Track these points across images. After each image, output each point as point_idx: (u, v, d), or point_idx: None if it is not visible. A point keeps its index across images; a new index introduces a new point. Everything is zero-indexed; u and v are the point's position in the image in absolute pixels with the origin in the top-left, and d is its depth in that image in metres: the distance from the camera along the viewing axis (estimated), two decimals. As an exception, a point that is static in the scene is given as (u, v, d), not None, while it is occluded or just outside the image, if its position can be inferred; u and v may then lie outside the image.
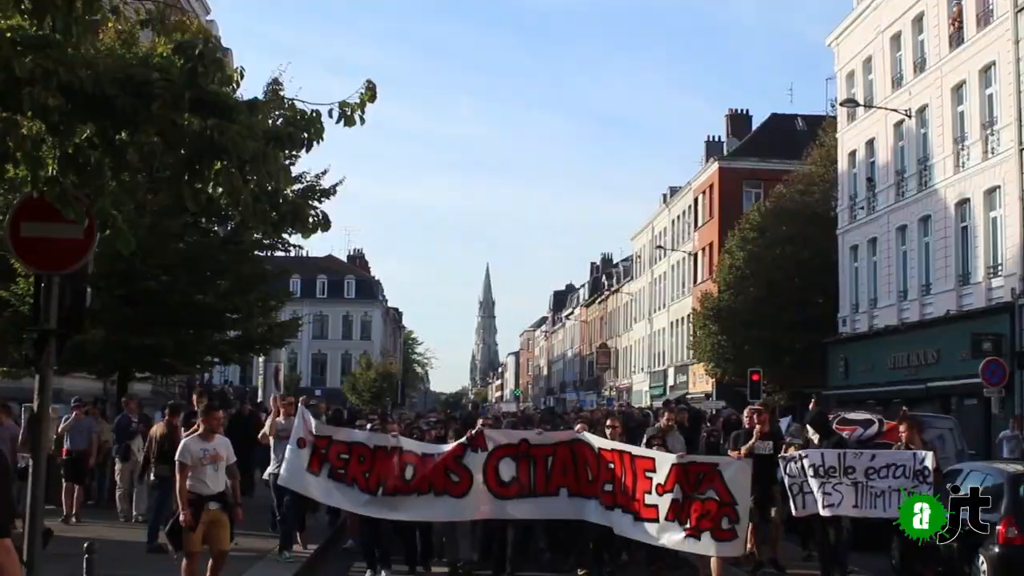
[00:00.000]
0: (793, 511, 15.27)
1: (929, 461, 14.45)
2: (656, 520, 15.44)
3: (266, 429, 19.83)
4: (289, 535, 19.13)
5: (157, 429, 20.63)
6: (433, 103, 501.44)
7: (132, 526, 22.51)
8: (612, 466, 16.11)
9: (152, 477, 20.57)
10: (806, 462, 15.06)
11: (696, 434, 25.09)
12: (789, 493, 15.25)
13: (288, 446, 17.07)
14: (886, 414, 19.91)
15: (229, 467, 14.27)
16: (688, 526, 15.12)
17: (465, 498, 16.34)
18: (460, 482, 16.32)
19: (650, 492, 15.50)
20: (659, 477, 15.45)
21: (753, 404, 21.03)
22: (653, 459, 15.86)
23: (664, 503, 15.32)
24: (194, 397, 22.80)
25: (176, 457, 14.14)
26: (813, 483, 14.87)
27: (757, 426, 17.58)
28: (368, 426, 19.97)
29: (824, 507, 14.84)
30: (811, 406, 22.42)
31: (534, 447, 16.59)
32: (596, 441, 16.72)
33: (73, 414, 24.58)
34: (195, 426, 15.34)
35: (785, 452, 16.17)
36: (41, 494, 11.02)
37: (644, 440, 18.20)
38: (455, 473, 16.37)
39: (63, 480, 23.18)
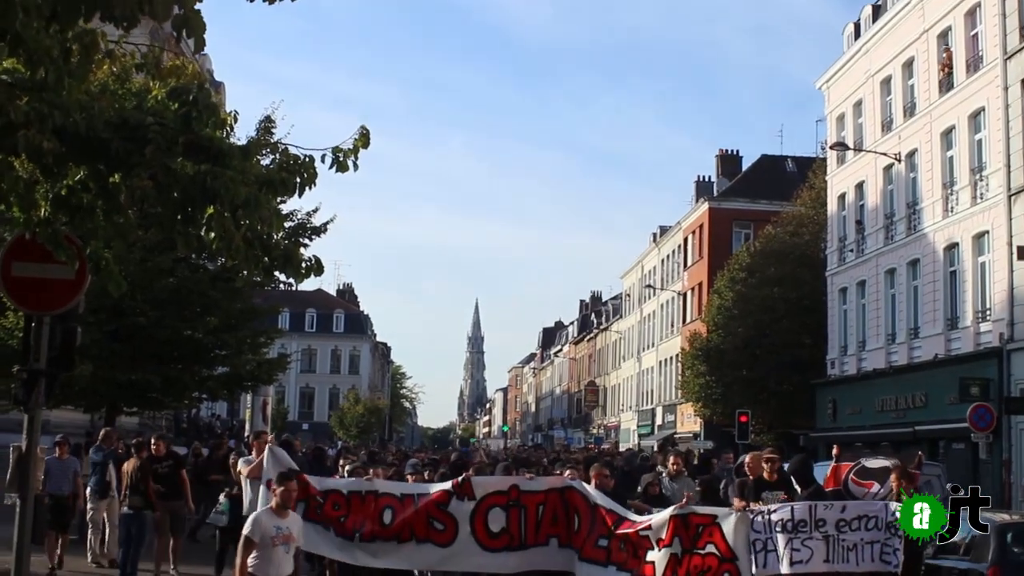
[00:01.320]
0: (752, 569, 14.25)
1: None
2: None
3: (241, 468, 17.95)
4: None
5: (128, 464, 20.45)
6: (424, 138, 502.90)
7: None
8: (607, 520, 14.77)
9: (126, 510, 20.16)
10: (775, 516, 13.87)
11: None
12: (751, 549, 14.29)
13: (262, 488, 15.54)
14: (903, 459, 19.13)
15: (298, 551, 12.85)
16: None
17: (450, 547, 15.02)
18: (445, 530, 15.05)
19: (652, 549, 14.33)
20: (657, 533, 14.27)
21: (764, 449, 19.61)
22: (649, 523, 14.53)
23: (662, 559, 14.16)
24: (153, 439, 21.81)
25: (244, 532, 12.19)
26: (780, 539, 13.75)
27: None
28: (348, 467, 18.77)
29: (791, 564, 13.67)
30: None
31: (525, 494, 15.23)
32: (593, 494, 15.25)
33: (57, 452, 21.78)
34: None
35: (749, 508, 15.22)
36: (28, 534, 11.00)
37: (641, 486, 17.64)
38: (439, 521, 15.08)
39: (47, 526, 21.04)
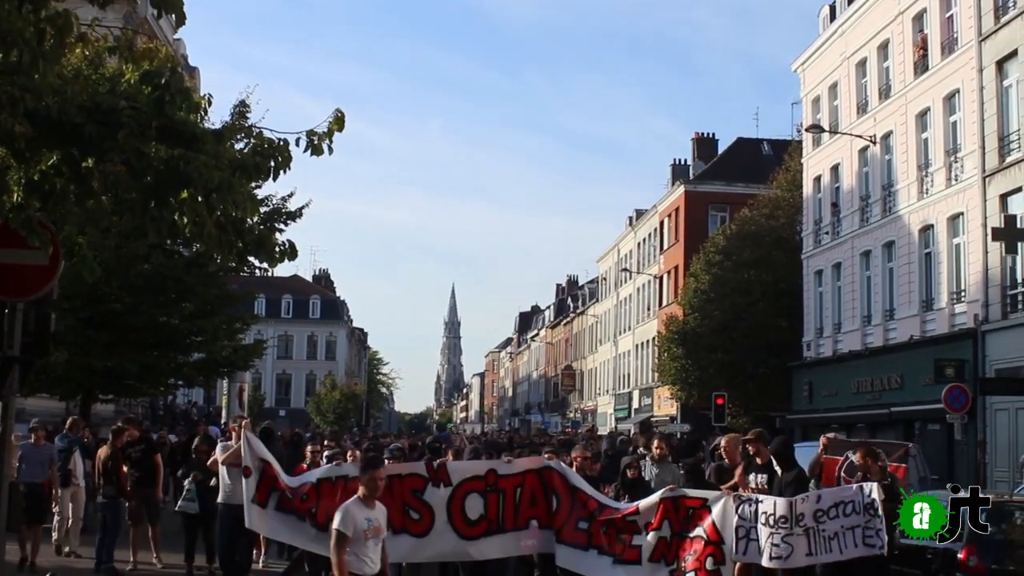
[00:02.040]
0: (732, 554, 14.16)
1: (875, 493, 13.77)
2: (638, 562, 14.12)
3: (217, 455, 17.70)
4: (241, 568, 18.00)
5: (102, 451, 20.45)
6: (401, 122, 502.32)
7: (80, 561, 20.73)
8: (588, 504, 14.53)
9: (100, 499, 20.16)
10: (760, 507, 13.83)
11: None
12: (734, 535, 14.19)
13: (243, 476, 14.85)
14: (891, 451, 18.84)
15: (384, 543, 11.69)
16: (674, 567, 13.97)
17: (427, 537, 14.42)
18: (421, 519, 14.43)
19: (639, 532, 14.17)
20: (646, 517, 14.15)
21: (744, 432, 19.20)
22: (636, 507, 14.41)
23: (650, 541, 14.05)
24: (121, 422, 21.79)
25: (334, 525, 11.01)
26: (762, 532, 13.71)
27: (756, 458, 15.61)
28: (325, 454, 17.25)
29: (770, 559, 13.65)
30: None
31: (503, 478, 14.69)
32: (572, 476, 14.99)
33: (32, 438, 20.49)
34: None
35: (744, 491, 15.15)
36: (3, 522, 10.94)
37: (621, 467, 17.18)
38: (415, 510, 14.45)
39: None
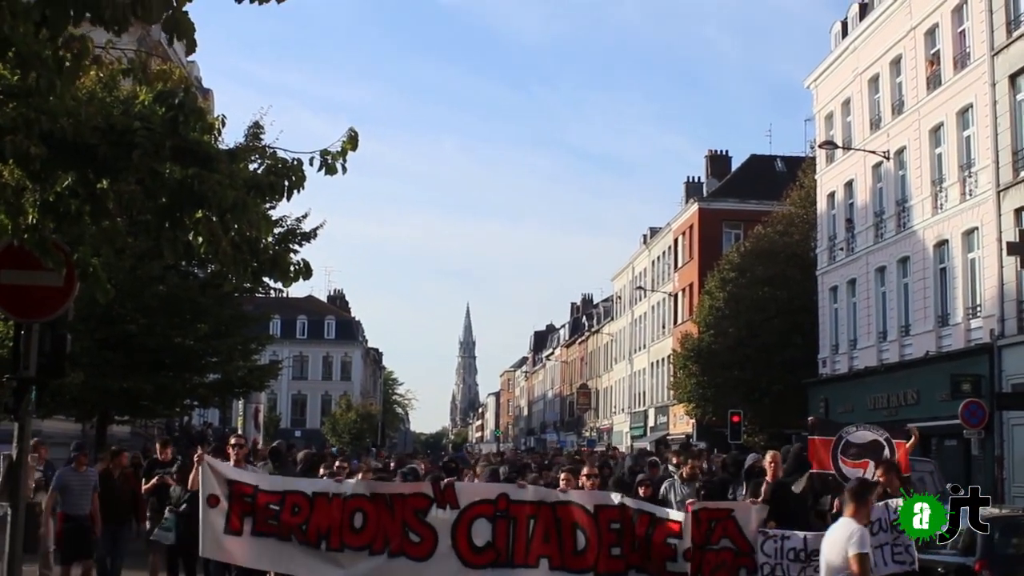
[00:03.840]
0: None
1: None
2: None
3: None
4: None
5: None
6: (415, 142, 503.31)
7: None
8: (617, 526, 13.49)
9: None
10: (787, 544, 13.36)
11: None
12: (760, 572, 13.86)
13: (200, 507, 13.46)
14: (892, 431, 18.14)
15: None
16: None
17: (426, 562, 13.25)
18: (422, 543, 13.29)
19: (674, 560, 13.37)
20: (687, 541, 13.39)
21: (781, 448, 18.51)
22: (679, 522, 13.58)
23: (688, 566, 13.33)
24: (157, 446, 20.52)
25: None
26: (793, 568, 13.20)
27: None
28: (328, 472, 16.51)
29: None
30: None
31: (515, 504, 13.50)
32: (593, 498, 13.87)
33: (74, 464, 18.10)
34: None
35: (767, 527, 14.65)
36: (19, 545, 10.97)
37: (634, 485, 16.67)
38: (415, 532, 13.34)
39: (58, 555, 18.17)
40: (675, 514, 14.06)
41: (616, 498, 13.98)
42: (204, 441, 40.92)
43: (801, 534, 13.51)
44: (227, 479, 13.44)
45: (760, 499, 14.59)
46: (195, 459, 14.05)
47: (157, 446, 20.38)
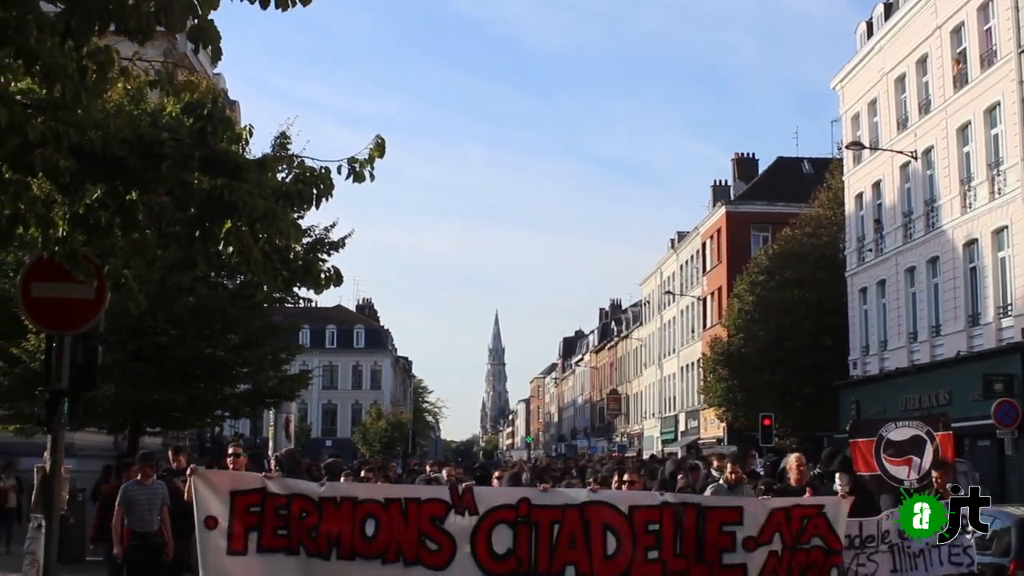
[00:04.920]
0: None
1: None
2: None
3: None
4: None
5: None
6: (442, 151, 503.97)
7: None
8: (656, 527, 12.64)
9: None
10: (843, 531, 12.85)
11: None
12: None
13: (196, 531, 12.29)
14: (930, 423, 17.74)
15: None
16: None
17: (445, 571, 12.41)
18: (440, 550, 12.45)
19: (732, 550, 12.57)
20: (749, 529, 12.60)
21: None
22: (739, 508, 12.91)
23: (757, 560, 12.55)
24: (170, 454, 19.86)
25: None
26: (846, 555, 12.85)
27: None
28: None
29: None
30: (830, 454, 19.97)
31: (537, 509, 12.64)
32: (623, 498, 13.12)
33: (139, 475, 17.04)
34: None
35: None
36: (54, 555, 11.01)
37: (676, 490, 15.62)
38: (432, 540, 12.49)
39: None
40: (730, 499, 13.62)
41: (657, 497, 13.22)
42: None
43: (857, 520, 12.94)
44: (228, 491, 12.26)
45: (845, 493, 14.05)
46: (187, 473, 12.91)
47: (169, 454, 19.70)
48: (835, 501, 13.19)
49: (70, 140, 8.02)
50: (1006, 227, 36.62)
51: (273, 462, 17.24)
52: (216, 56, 7.48)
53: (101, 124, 8.45)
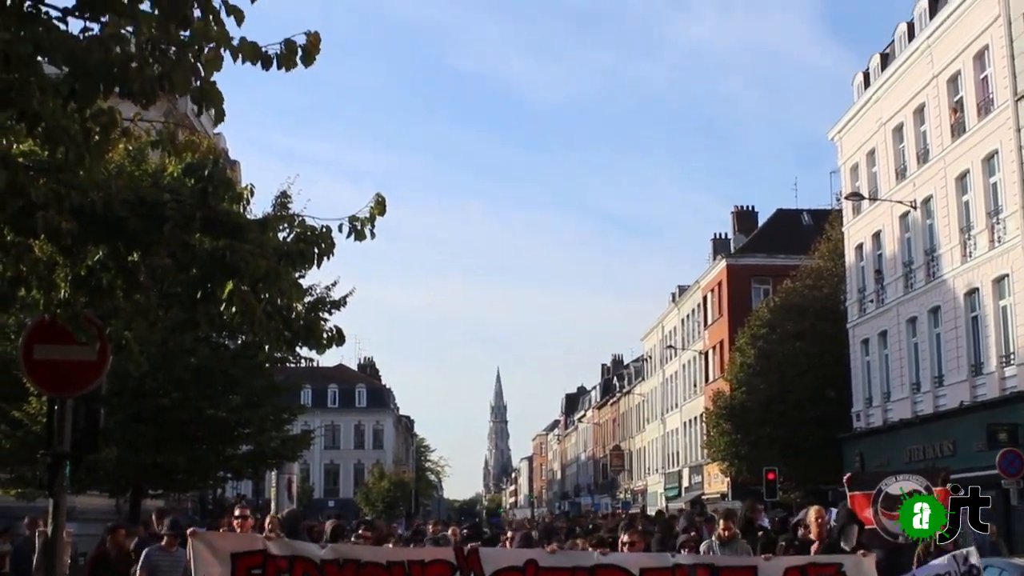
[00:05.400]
0: None
1: (974, 558, 12.92)
2: None
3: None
4: None
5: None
6: (441, 207, 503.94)
7: None
8: None
9: None
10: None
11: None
12: None
13: None
14: (929, 478, 17.64)
15: None
16: None
17: None
18: None
19: None
20: None
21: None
22: (753, 568, 12.44)
23: None
24: (153, 517, 19.56)
25: None
26: None
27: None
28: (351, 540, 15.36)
29: None
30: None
31: (545, 571, 12.03)
32: (633, 560, 12.50)
33: (164, 541, 16.41)
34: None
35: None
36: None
37: (677, 545, 15.07)
38: None
39: None
40: (743, 559, 13.26)
41: (668, 559, 12.63)
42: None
43: None
44: (229, 552, 11.57)
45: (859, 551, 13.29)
46: (188, 534, 12.26)
47: (153, 517, 19.33)
48: (856, 560, 12.50)
49: (72, 202, 8.02)
50: (1007, 275, 36.62)
51: (267, 522, 16.71)
52: (219, 118, 7.51)
53: (103, 185, 8.45)
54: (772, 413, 51.10)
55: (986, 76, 38.44)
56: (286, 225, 9.76)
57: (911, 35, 44.87)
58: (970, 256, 39.34)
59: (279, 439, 35.33)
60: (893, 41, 47.49)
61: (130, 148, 11.00)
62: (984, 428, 35.72)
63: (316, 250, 9.31)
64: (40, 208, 7.87)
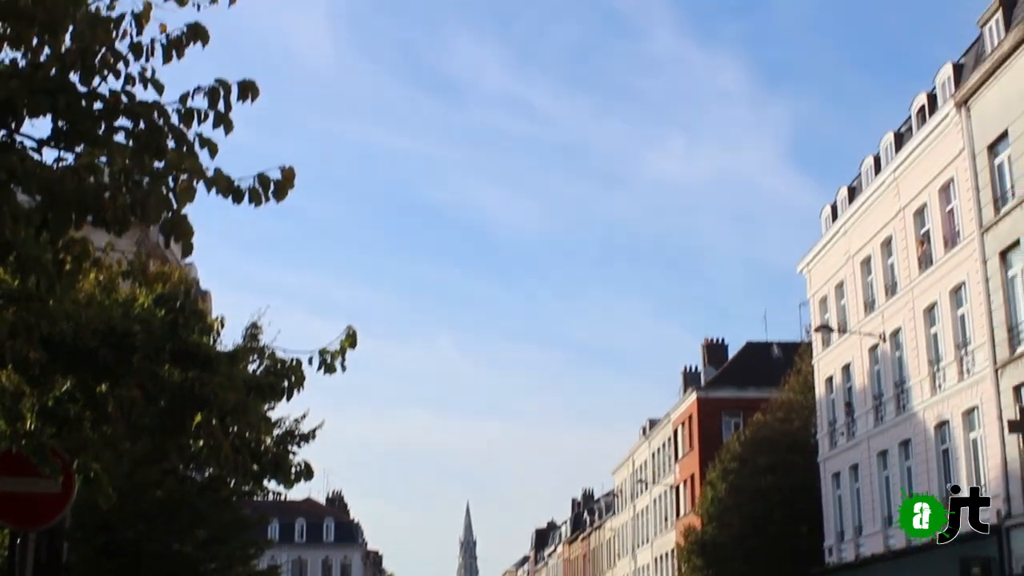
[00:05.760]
0: None
1: None
2: None
3: None
4: None
5: None
6: (412, 339, 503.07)
7: None
8: None
9: None
10: None
11: None
12: None
13: None
14: None
15: None
16: None
17: None
18: None
19: None
20: None
21: None
22: None
23: None
24: None
25: None
26: None
27: None
28: None
29: None
30: None
31: None
32: None
33: None
34: None
35: None
36: None
37: None
38: None
39: None
40: None
41: None
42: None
43: None
44: None
45: None
46: None
47: None
48: None
49: (41, 331, 7.95)
50: (976, 408, 36.67)
51: None
52: (187, 250, 7.47)
53: (73, 315, 8.40)
54: (744, 548, 50.76)
55: (952, 208, 38.91)
56: (256, 357, 9.72)
57: (877, 168, 45.46)
58: (939, 388, 39.42)
59: (246, 575, 34.82)
60: (860, 174, 48.11)
61: (101, 278, 10.93)
62: (958, 562, 35.46)
63: (286, 383, 9.26)
64: (8, 338, 7.80)
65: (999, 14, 36.57)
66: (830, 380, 50.06)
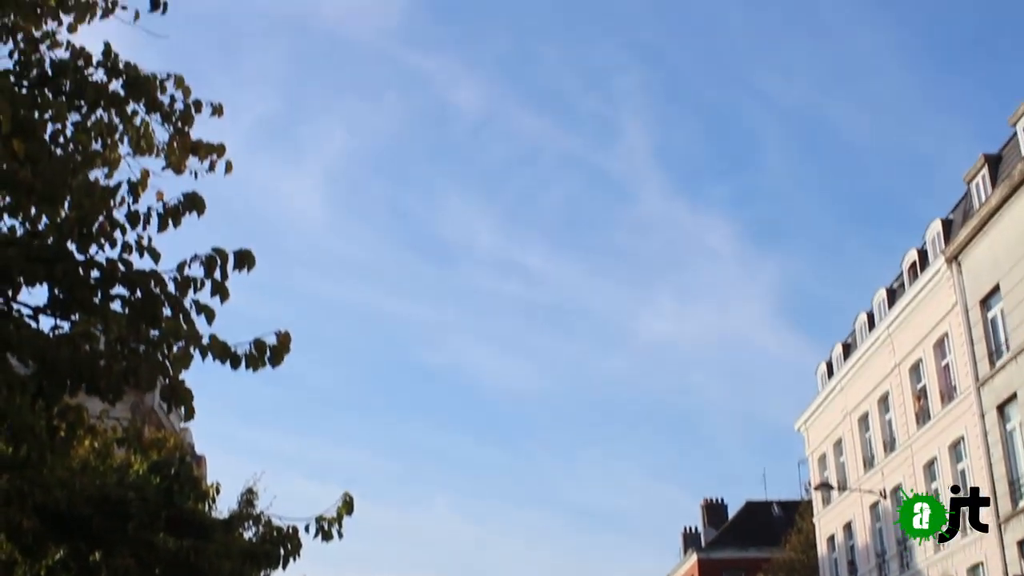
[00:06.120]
0: None
1: None
2: None
3: None
4: None
5: None
6: (407, 502, 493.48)
7: None
8: None
9: None
10: None
11: None
12: None
13: None
14: None
15: None
16: None
17: None
18: None
19: None
20: None
21: None
22: None
23: None
24: None
25: None
26: None
27: None
28: None
29: None
30: None
31: None
32: None
33: None
34: None
35: None
36: None
37: None
38: None
39: None
40: None
41: None
42: None
43: None
44: None
45: None
46: None
47: None
48: None
49: (35, 499, 7.88)
50: (981, 563, 36.19)
51: None
52: (189, 415, 7.45)
53: (67, 482, 8.33)
54: None
55: (947, 363, 38.87)
56: (252, 524, 9.63)
57: (871, 324, 45.53)
58: (943, 545, 38.96)
59: None
60: (854, 331, 48.13)
61: (96, 444, 10.88)
62: None
63: (282, 550, 9.14)
64: (2, 505, 7.73)
65: (985, 170, 36.96)
66: (832, 538, 49.54)
